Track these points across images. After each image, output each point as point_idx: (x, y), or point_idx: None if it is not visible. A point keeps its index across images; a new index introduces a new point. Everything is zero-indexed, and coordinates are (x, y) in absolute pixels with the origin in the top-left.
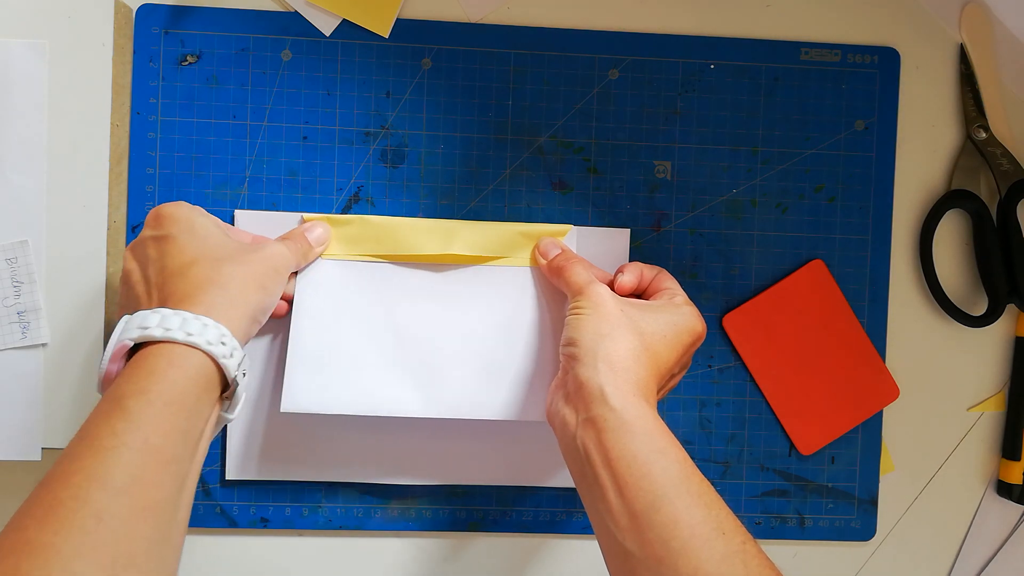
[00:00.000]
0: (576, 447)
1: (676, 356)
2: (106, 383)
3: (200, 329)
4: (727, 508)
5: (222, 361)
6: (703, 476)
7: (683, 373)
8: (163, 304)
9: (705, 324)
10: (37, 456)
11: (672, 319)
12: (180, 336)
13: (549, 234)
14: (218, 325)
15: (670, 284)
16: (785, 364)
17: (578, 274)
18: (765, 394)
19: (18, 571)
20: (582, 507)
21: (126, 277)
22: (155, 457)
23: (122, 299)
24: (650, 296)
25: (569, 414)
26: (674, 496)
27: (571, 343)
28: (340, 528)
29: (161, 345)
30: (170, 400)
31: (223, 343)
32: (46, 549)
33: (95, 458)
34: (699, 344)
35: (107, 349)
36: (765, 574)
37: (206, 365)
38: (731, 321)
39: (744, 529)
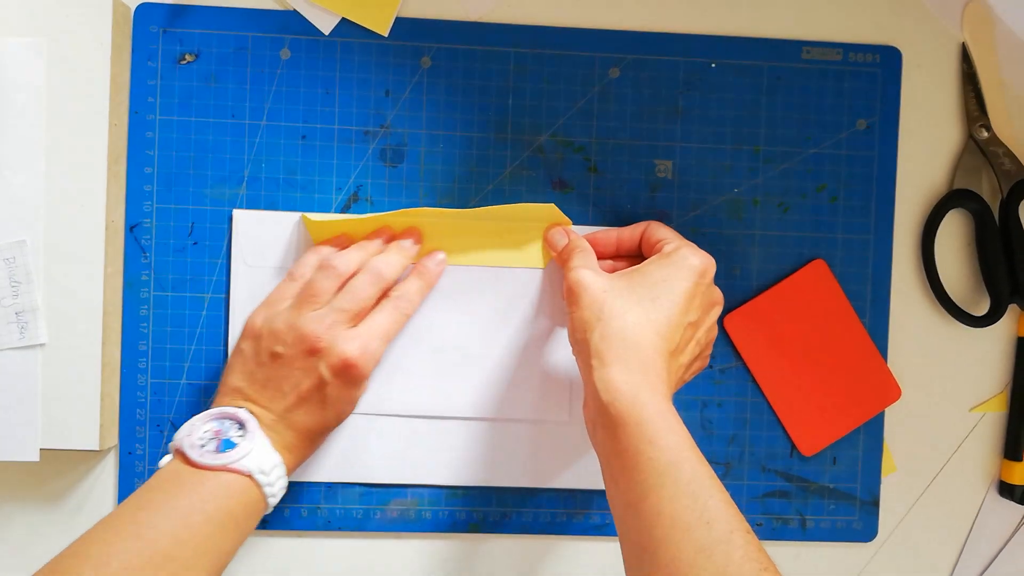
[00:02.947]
0: (595, 447)
1: (680, 308)
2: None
3: (277, 481)
4: (720, 497)
5: (270, 502)
6: (699, 463)
7: (709, 321)
8: (281, 424)
9: (706, 257)
10: (35, 456)
11: (662, 273)
12: (262, 480)
13: (538, 214)
14: (284, 476)
15: (663, 233)
16: (786, 365)
17: (569, 268)
18: (766, 394)
19: None
20: (583, 508)
21: (283, 363)
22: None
23: (252, 367)
24: (649, 252)
25: (586, 416)
26: (659, 486)
27: (570, 343)
28: (339, 529)
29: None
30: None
31: (282, 488)
32: None
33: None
34: (707, 280)
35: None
36: (748, 566)
37: (259, 500)
38: (732, 321)
39: (738, 519)
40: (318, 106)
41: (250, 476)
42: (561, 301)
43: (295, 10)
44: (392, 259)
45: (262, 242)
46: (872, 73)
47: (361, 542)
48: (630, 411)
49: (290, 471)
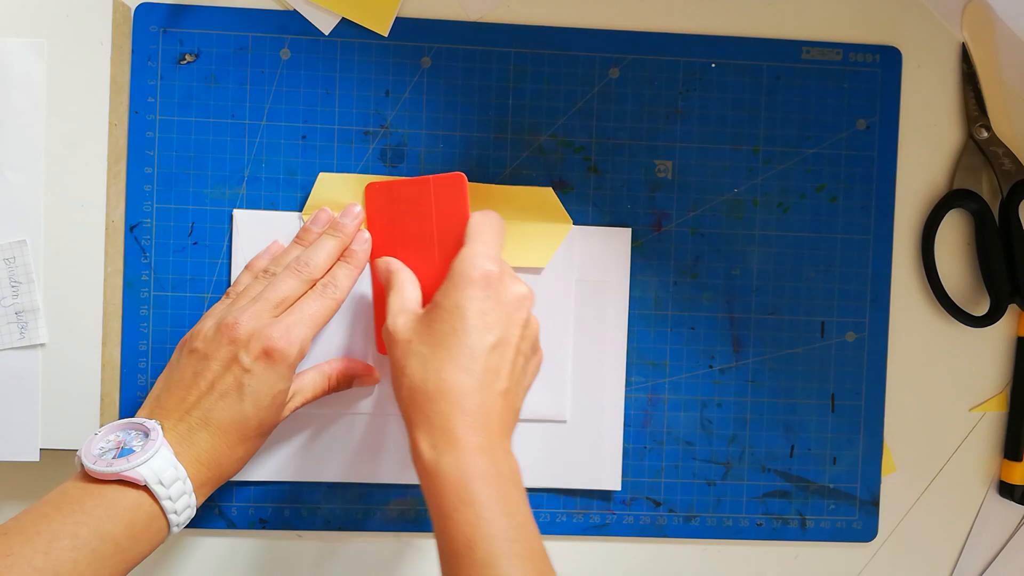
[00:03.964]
0: None
1: (476, 335)
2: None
3: (180, 497)
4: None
5: (173, 528)
6: (494, 542)
7: (517, 328)
8: (194, 426)
9: (485, 261)
10: (35, 456)
11: (449, 299)
12: (160, 493)
13: (535, 198)
14: (192, 495)
15: (466, 231)
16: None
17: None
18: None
19: None
20: (584, 508)
21: (196, 366)
22: None
23: (170, 371)
24: None
25: None
26: (455, 565)
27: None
28: (339, 529)
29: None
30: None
31: (187, 507)
32: None
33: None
34: (493, 286)
35: (129, 456)
36: None
37: (154, 519)
38: (372, 190)
39: None
40: (318, 106)
41: (146, 488)
42: (561, 300)
43: (295, 10)
44: (315, 250)
45: (262, 242)
46: (872, 73)
47: (362, 541)
48: (431, 481)
49: (212, 485)
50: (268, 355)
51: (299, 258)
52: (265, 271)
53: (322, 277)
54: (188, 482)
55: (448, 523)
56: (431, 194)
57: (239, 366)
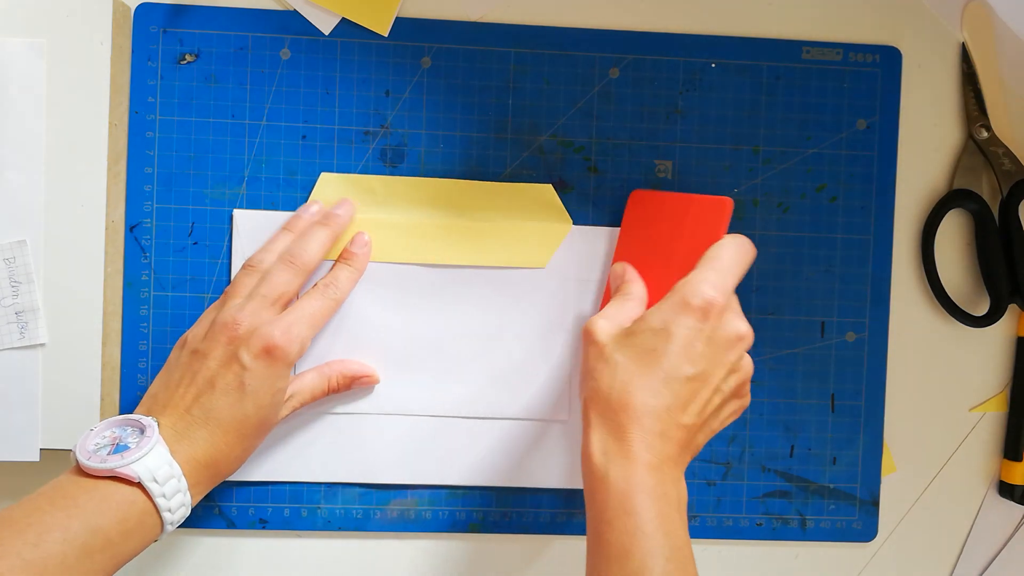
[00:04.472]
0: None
1: (676, 361)
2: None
3: (175, 495)
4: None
5: (168, 526)
6: (649, 555)
7: (724, 367)
8: (192, 423)
9: (712, 290)
10: (35, 457)
11: (660, 318)
12: (155, 491)
13: (534, 195)
14: (187, 492)
15: (707, 253)
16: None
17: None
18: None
19: None
20: (582, 508)
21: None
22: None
23: (170, 371)
24: None
25: None
26: (607, 572)
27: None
28: (339, 529)
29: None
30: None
31: (182, 505)
32: None
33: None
34: (711, 320)
35: (125, 453)
36: None
37: (147, 515)
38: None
39: None
40: (318, 106)
41: (140, 485)
42: (561, 300)
43: (295, 10)
44: (307, 241)
45: (262, 242)
46: (872, 73)
47: (361, 542)
48: (597, 488)
49: (208, 484)
50: (269, 353)
51: (290, 250)
52: (255, 265)
53: (317, 270)
54: (183, 480)
55: (607, 528)
56: (689, 212)
57: (239, 364)
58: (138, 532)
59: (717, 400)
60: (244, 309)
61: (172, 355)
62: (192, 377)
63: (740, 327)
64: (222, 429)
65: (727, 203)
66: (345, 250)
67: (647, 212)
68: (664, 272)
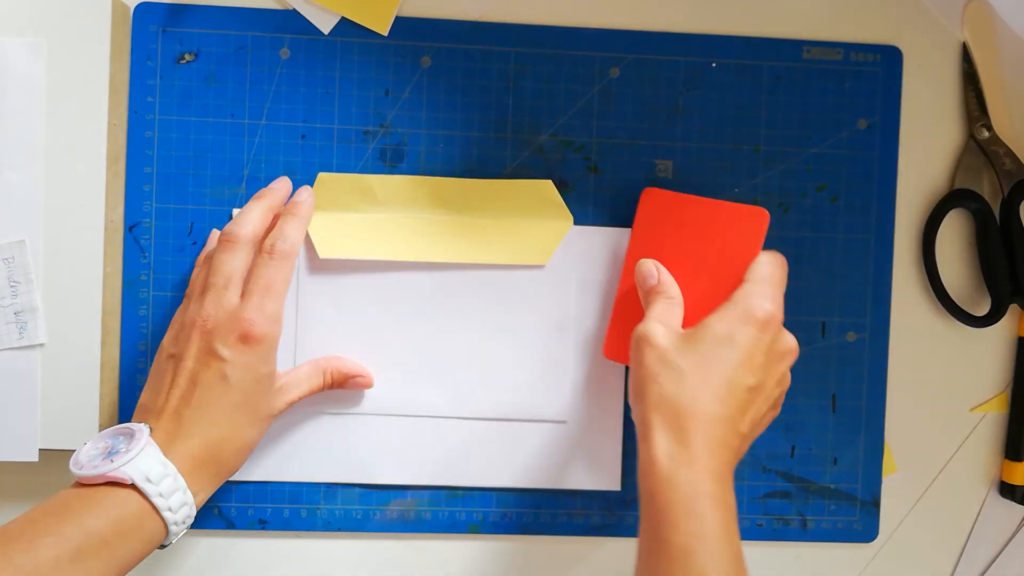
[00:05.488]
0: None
1: (740, 370)
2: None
3: (173, 493)
4: None
5: (173, 528)
6: (712, 556)
7: (775, 377)
8: (182, 423)
9: (772, 303)
10: (34, 457)
11: (723, 327)
12: (151, 492)
13: (534, 191)
14: (186, 490)
15: (751, 270)
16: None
17: (645, 318)
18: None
19: None
20: (584, 508)
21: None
22: None
23: (152, 378)
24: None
25: (638, 475)
26: (668, 573)
27: (629, 396)
28: (339, 530)
29: (133, 493)
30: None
31: (183, 504)
32: None
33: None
34: (771, 331)
35: (116, 458)
36: None
37: (146, 517)
38: (649, 195)
39: None
40: (318, 106)
41: (134, 487)
42: (562, 300)
43: (294, 9)
44: (242, 215)
45: None
46: (873, 73)
47: (361, 542)
48: (662, 490)
49: (212, 479)
50: (244, 340)
51: (225, 229)
52: (201, 259)
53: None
54: (179, 478)
55: (671, 529)
56: (720, 219)
57: (217, 357)
58: (137, 534)
59: (764, 409)
60: (205, 303)
61: (152, 365)
62: (173, 380)
63: (791, 342)
64: (215, 424)
65: (764, 215)
66: (289, 202)
67: (666, 213)
68: (695, 277)
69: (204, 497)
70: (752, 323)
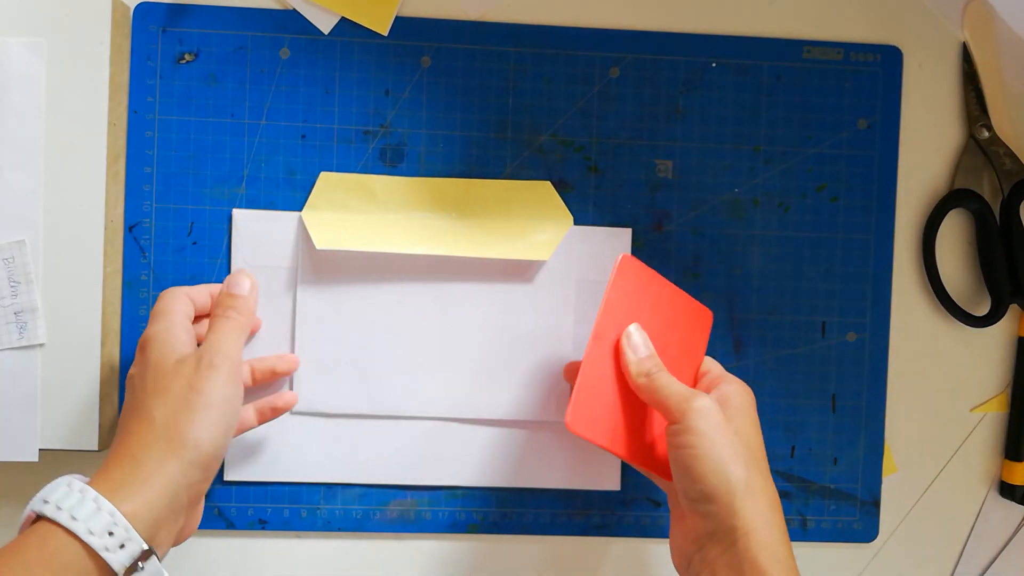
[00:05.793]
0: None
1: (760, 437)
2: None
3: (88, 515)
4: None
5: (105, 555)
6: None
7: None
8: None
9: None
10: (34, 457)
11: (738, 400)
12: (63, 519)
13: (533, 192)
14: (114, 511)
15: (707, 365)
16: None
17: (671, 392)
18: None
19: None
20: (584, 508)
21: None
22: None
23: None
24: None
25: (683, 535)
26: None
27: (695, 482)
28: (339, 530)
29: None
30: None
31: (111, 533)
32: None
33: None
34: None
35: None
36: None
37: (82, 557)
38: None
39: None
40: (318, 106)
41: (56, 523)
42: (561, 300)
43: (294, 9)
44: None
45: (262, 242)
46: (873, 73)
47: (361, 542)
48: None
49: (198, 472)
50: (142, 347)
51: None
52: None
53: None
54: (102, 501)
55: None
56: (678, 306)
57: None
58: (59, 560)
59: None
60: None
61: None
62: (132, 396)
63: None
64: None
65: (708, 316)
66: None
67: (638, 285)
68: (662, 355)
69: (197, 491)
70: (751, 398)
